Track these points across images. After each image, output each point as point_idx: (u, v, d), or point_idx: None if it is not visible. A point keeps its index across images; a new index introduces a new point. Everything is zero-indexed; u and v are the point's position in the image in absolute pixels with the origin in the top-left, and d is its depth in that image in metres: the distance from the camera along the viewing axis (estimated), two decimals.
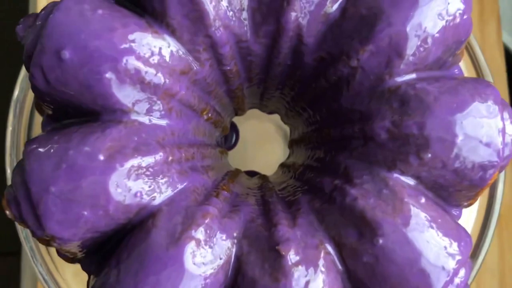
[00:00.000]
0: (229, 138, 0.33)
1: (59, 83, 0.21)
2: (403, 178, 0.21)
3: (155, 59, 0.21)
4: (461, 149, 0.20)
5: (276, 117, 0.31)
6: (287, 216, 0.22)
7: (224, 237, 0.21)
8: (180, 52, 0.22)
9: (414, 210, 0.20)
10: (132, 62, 0.20)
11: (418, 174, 0.21)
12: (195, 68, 0.22)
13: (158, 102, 0.21)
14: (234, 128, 0.33)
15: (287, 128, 0.32)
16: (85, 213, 0.20)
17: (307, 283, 0.20)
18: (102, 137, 0.20)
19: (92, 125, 0.21)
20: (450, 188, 0.21)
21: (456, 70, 0.23)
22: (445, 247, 0.20)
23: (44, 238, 0.21)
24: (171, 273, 0.19)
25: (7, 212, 0.21)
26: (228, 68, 0.24)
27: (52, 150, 0.20)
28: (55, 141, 0.20)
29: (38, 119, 0.30)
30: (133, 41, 0.21)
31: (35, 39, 0.21)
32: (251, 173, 0.29)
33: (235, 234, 0.21)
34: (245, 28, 0.22)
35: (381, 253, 0.20)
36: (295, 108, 0.26)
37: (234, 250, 0.21)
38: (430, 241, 0.20)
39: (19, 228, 0.29)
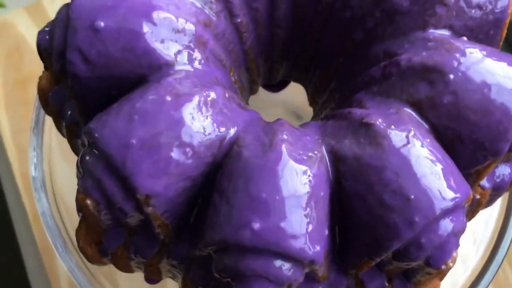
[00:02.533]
0: None
1: (101, 57, 0.21)
2: (438, 31, 0.22)
3: (180, 9, 0.22)
4: None
5: (283, 101, 0.32)
6: (355, 106, 0.22)
7: (308, 139, 0.21)
8: (198, 4, 0.23)
9: (464, 45, 0.21)
10: (163, 15, 0.21)
11: (450, 22, 0.22)
12: (214, 19, 0.23)
13: (196, 50, 0.22)
14: None
15: (295, 110, 0.33)
16: (173, 155, 0.19)
17: (407, 138, 0.20)
18: (160, 86, 0.20)
19: (145, 85, 0.21)
20: (479, 30, 0.23)
21: None
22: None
23: (135, 224, 0.20)
24: (278, 173, 0.19)
25: (89, 203, 0.20)
26: (239, 20, 0.25)
27: (118, 112, 0.20)
28: (116, 107, 0.20)
29: None
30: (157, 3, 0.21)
31: (63, 29, 0.21)
32: None
33: (316, 137, 0.21)
34: None
35: (457, 86, 0.21)
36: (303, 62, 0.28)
37: (323, 147, 0.21)
38: (495, 70, 0.21)
39: None
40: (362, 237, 0.20)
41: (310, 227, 0.19)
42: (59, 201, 0.31)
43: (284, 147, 0.19)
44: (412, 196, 0.19)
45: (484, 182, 0.24)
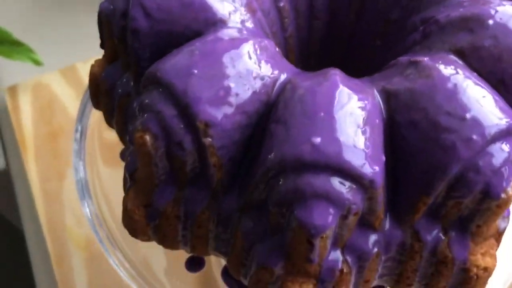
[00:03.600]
0: None
1: (161, 11, 0.22)
2: None
3: None
4: None
5: None
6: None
7: (359, 81, 0.22)
8: None
9: (499, 1, 0.23)
10: None
11: None
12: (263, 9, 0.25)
13: (247, 14, 0.24)
14: None
15: None
16: (232, 85, 0.20)
17: (456, 69, 0.21)
18: (217, 32, 0.22)
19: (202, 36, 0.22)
20: None
21: None
22: None
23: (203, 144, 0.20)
24: (334, 95, 0.20)
25: (147, 139, 0.20)
26: (282, 4, 0.27)
27: (178, 52, 0.21)
28: (175, 51, 0.21)
29: None
30: None
31: None
32: None
33: (367, 82, 0.22)
34: None
35: (497, 30, 0.22)
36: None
37: (374, 89, 0.21)
38: None
39: None
40: (417, 169, 0.20)
41: (368, 146, 0.19)
42: (103, 204, 0.31)
43: (338, 78, 0.20)
44: (468, 116, 0.19)
45: None
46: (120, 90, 0.25)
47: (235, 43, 0.21)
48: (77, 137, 0.33)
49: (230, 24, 0.23)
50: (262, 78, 0.21)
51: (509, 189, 0.20)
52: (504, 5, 0.23)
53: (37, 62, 0.53)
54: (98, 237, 0.29)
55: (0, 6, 0.63)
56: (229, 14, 0.23)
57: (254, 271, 0.22)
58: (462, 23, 0.22)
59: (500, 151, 0.20)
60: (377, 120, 0.20)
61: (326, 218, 0.19)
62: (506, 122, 0.20)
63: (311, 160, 0.19)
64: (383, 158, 0.20)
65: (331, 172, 0.19)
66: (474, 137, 0.19)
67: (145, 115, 0.21)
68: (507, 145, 0.20)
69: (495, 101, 0.20)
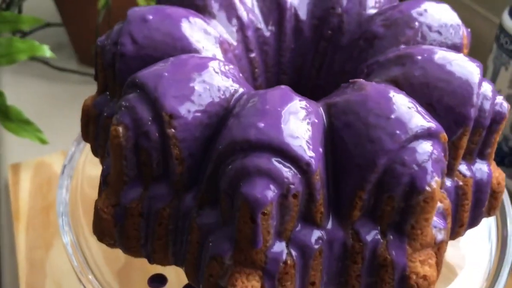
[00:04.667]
0: None
1: (146, 39, 0.27)
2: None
3: (209, 25, 0.29)
4: None
5: None
6: None
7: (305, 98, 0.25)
8: (222, 29, 0.30)
9: (428, 45, 0.27)
10: (198, 20, 0.28)
11: (417, 42, 0.29)
12: (234, 44, 0.30)
13: (219, 51, 0.28)
14: None
15: None
16: (196, 87, 0.24)
17: (386, 86, 0.24)
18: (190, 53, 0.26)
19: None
20: None
21: None
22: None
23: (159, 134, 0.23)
24: (280, 96, 0.23)
25: (120, 130, 0.24)
26: (253, 55, 0.31)
27: (155, 64, 0.25)
28: (153, 64, 0.25)
29: None
30: (193, 13, 0.29)
31: (119, 28, 0.28)
32: None
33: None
34: (259, 18, 0.32)
35: (425, 63, 0.26)
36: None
37: (319, 105, 0.25)
38: (452, 56, 0.26)
39: None
40: (351, 166, 0.23)
41: (307, 136, 0.22)
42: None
43: (288, 88, 0.24)
44: (393, 116, 0.23)
45: (464, 170, 0.27)
46: (105, 114, 0.29)
47: (204, 59, 0.25)
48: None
49: (203, 54, 0.27)
50: (223, 88, 0.25)
51: (433, 183, 0.22)
52: (433, 46, 0.27)
53: (43, 141, 0.58)
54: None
55: (15, 85, 0.69)
56: (203, 47, 0.27)
57: (206, 264, 0.24)
58: (396, 60, 0.27)
59: (423, 148, 0.22)
60: (316, 120, 0.23)
61: (267, 192, 0.21)
62: (429, 125, 0.23)
63: (255, 141, 0.22)
64: (320, 150, 0.23)
65: (273, 152, 0.22)
66: (398, 132, 0.22)
67: (120, 112, 0.24)
68: (430, 145, 0.23)
69: (420, 111, 0.23)
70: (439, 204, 0.25)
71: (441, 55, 0.26)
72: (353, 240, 0.24)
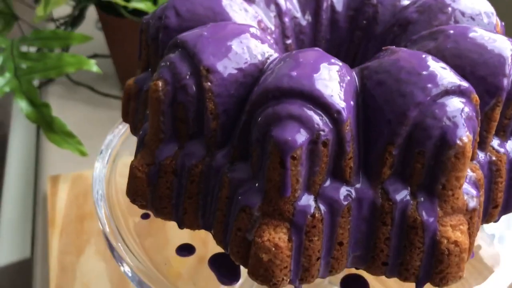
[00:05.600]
0: None
1: (189, 12, 0.28)
2: None
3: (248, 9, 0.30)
4: None
5: None
6: None
7: None
8: (261, 12, 0.31)
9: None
10: (238, 0, 0.30)
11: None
12: (272, 27, 0.31)
13: (257, 28, 0.29)
14: None
15: None
16: (233, 47, 0.25)
17: (420, 51, 0.25)
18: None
19: None
20: None
21: None
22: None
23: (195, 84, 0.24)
24: (314, 52, 0.24)
25: (159, 84, 0.25)
26: (289, 42, 0.33)
27: (197, 29, 0.26)
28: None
29: None
30: None
31: (164, 6, 0.30)
32: None
33: None
34: (297, 7, 0.33)
35: (457, 37, 0.26)
36: None
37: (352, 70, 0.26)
38: (485, 33, 0.27)
39: None
40: (382, 121, 0.23)
41: (339, 87, 0.23)
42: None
43: (322, 49, 0.25)
44: (425, 72, 0.23)
45: (497, 146, 0.27)
46: (145, 87, 0.30)
47: (243, 25, 0.26)
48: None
49: None
50: (259, 50, 0.26)
51: (464, 137, 0.22)
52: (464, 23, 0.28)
53: (83, 153, 0.60)
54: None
55: (61, 107, 0.72)
56: (241, 21, 0.29)
57: (234, 218, 0.24)
58: (429, 35, 0.27)
59: (454, 104, 0.23)
60: (349, 78, 0.24)
61: (297, 135, 0.22)
62: (460, 83, 0.23)
63: (288, 88, 0.22)
64: (352, 103, 0.23)
65: (305, 99, 0.22)
66: (429, 85, 0.22)
67: (160, 68, 0.25)
68: (461, 102, 0.23)
69: (454, 72, 0.24)
70: (470, 173, 0.25)
71: (474, 30, 0.27)
72: (383, 199, 0.24)
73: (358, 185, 0.24)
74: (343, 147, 0.23)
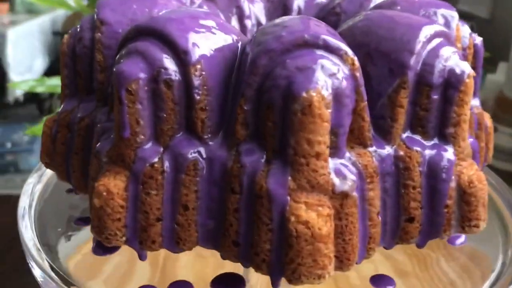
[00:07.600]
0: None
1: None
2: None
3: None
4: None
5: None
6: None
7: None
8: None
9: None
10: None
11: None
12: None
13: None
14: None
15: None
16: (134, 6, 0.25)
17: None
18: None
19: None
20: None
21: None
22: None
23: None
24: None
25: (65, 38, 0.26)
26: None
27: None
28: None
29: None
30: None
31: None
32: None
33: None
34: (263, 14, 0.33)
35: (371, 16, 0.24)
36: None
37: None
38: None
39: None
40: (243, 72, 0.21)
41: (201, 37, 0.22)
42: None
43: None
44: (286, 24, 0.21)
45: (408, 139, 0.23)
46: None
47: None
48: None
49: None
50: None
51: (313, 91, 0.19)
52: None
53: None
54: None
55: None
56: None
57: (90, 166, 0.23)
58: (348, 20, 0.25)
59: (312, 56, 0.20)
60: (227, 38, 0.23)
61: (134, 67, 0.21)
62: (326, 37, 0.20)
63: (144, 26, 0.22)
64: (213, 54, 0.22)
65: (156, 37, 0.21)
66: (284, 34, 0.20)
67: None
68: (322, 55, 0.20)
69: (329, 30, 0.21)
70: (350, 154, 0.21)
71: (397, 12, 0.24)
72: (234, 162, 0.21)
73: (212, 143, 0.22)
74: (190, 94, 0.21)
